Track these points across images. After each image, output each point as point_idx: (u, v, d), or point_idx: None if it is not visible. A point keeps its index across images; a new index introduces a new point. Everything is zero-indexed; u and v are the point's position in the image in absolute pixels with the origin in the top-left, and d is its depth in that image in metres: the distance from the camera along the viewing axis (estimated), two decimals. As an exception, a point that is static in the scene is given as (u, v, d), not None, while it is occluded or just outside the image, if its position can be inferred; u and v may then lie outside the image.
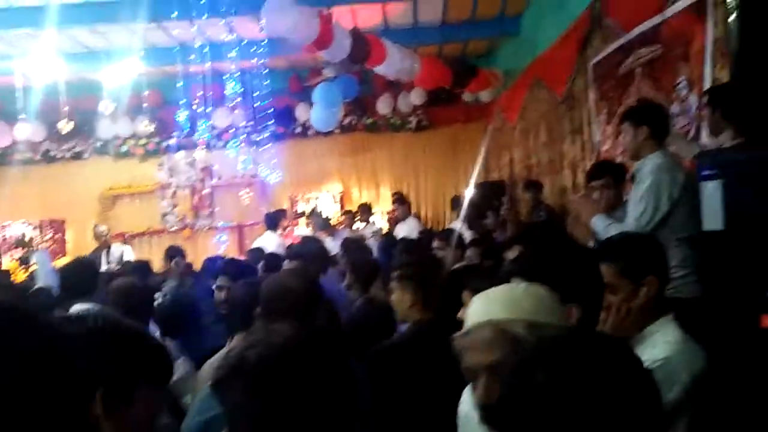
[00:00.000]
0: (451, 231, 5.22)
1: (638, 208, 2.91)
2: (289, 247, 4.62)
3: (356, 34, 5.90)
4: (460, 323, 1.35)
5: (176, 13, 6.06)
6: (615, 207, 3.26)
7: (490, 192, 7.31)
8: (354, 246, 4.74)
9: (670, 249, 2.71)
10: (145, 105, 8.37)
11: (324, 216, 7.73)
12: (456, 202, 7.85)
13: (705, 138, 3.30)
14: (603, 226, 3.07)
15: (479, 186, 7.94)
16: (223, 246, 8.57)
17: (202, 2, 5.88)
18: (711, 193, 2.43)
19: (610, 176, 3.36)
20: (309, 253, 3.88)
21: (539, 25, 6.78)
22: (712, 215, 2.43)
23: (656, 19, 3.94)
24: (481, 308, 1.26)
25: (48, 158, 9.42)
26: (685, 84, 3.66)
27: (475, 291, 2.35)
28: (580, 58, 5.45)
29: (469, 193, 7.33)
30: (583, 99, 5.46)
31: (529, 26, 7.44)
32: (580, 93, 5.55)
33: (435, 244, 4.70)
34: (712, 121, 2.92)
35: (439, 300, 2.38)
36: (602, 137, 5.04)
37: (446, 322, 2.02)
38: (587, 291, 1.54)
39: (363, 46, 5.94)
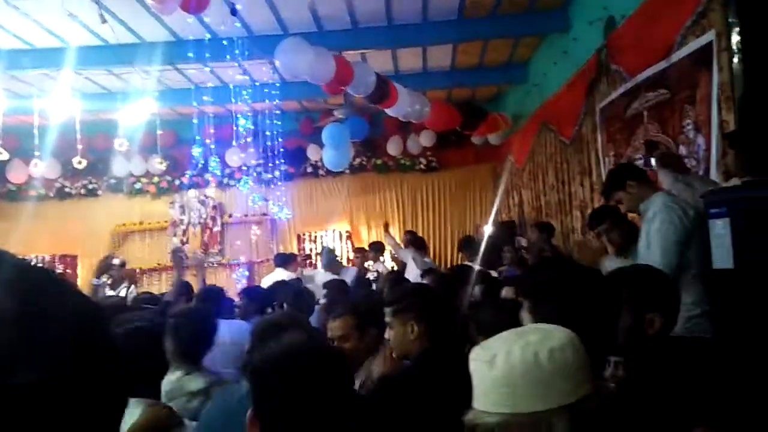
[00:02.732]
0: (466, 267, 5.22)
1: (660, 246, 2.84)
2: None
3: (379, 76, 6.07)
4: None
5: (191, 55, 6.23)
6: (624, 247, 3.25)
7: (504, 232, 7.33)
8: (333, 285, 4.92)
9: (685, 285, 2.70)
10: (158, 144, 8.52)
11: (330, 254, 7.73)
12: (466, 243, 7.83)
13: (714, 178, 3.32)
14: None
15: (493, 225, 7.96)
16: (242, 281, 8.65)
17: (216, 46, 6.05)
18: (720, 231, 2.43)
19: (610, 219, 3.38)
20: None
21: (546, 71, 6.90)
22: (722, 254, 2.42)
23: (662, 65, 4.02)
24: (489, 389, 1.02)
25: (62, 194, 9.57)
26: (693, 127, 3.71)
27: (479, 324, 2.34)
28: (587, 102, 5.54)
29: (487, 231, 7.34)
30: (591, 141, 5.53)
31: (537, 72, 7.58)
32: (588, 136, 5.61)
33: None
34: (737, 164, 2.84)
35: (445, 329, 2.36)
36: (610, 179, 5.07)
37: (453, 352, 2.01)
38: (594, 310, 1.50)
39: (384, 85, 6.09)
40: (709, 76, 3.45)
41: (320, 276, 6.91)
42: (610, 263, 3.12)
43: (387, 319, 2.40)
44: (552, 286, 1.51)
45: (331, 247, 8.77)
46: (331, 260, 7.46)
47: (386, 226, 8.28)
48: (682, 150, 3.77)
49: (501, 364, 1.01)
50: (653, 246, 2.85)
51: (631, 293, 1.66)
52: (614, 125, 4.96)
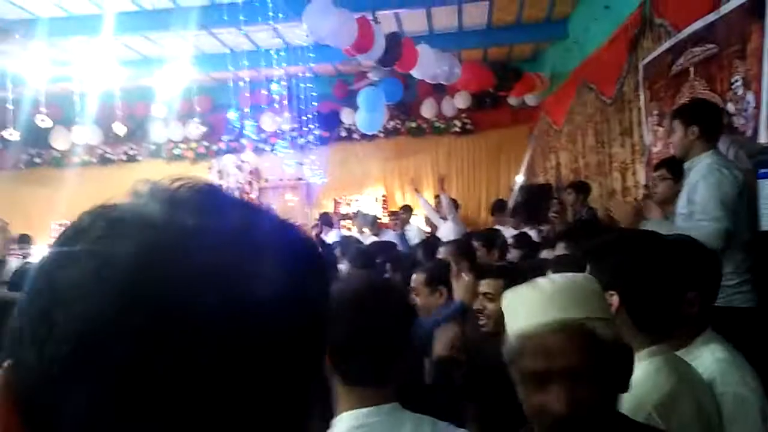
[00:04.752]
0: (494, 231, 5.19)
1: (710, 210, 2.73)
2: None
3: (390, 37, 5.93)
4: None
5: (226, 18, 6.22)
6: (667, 200, 3.19)
7: (538, 194, 7.25)
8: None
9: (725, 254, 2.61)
10: (196, 109, 8.62)
11: (371, 215, 7.87)
12: (498, 206, 7.78)
13: (764, 137, 3.19)
14: (667, 230, 2.90)
15: (526, 188, 7.87)
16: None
17: (250, 8, 6.02)
18: (769, 191, 2.34)
19: (667, 168, 3.33)
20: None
21: (587, 28, 6.67)
22: (771, 215, 2.34)
23: (710, 18, 3.84)
24: (537, 304, 1.10)
25: (104, 160, 9.82)
26: (741, 83, 3.55)
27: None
28: (629, 59, 5.35)
29: (515, 195, 7.31)
30: (634, 100, 5.36)
31: (576, 29, 7.33)
32: (630, 94, 5.44)
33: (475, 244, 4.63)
34: None
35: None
36: (653, 139, 4.93)
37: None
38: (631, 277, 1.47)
39: (396, 48, 5.96)
40: (761, 28, 3.28)
41: (367, 239, 6.99)
42: (657, 227, 3.02)
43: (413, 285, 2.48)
44: (617, 250, 1.49)
45: (365, 211, 8.84)
46: (372, 223, 7.58)
47: (416, 190, 8.36)
48: (730, 107, 3.62)
49: (543, 283, 1.14)
50: (708, 209, 2.73)
51: (673, 269, 1.57)
52: (658, 83, 4.79)
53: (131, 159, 9.86)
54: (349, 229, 8.46)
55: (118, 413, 0.37)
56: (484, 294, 2.36)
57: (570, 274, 1.22)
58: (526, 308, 1.11)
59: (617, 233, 1.79)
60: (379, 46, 5.69)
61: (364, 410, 1.26)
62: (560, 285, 1.12)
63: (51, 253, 0.43)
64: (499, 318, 2.45)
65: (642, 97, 5.14)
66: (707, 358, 1.57)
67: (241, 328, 0.39)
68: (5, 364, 0.40)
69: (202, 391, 0.37)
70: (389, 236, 7.01)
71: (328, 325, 0.46)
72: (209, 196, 0.43)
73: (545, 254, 3.55)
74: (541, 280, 1.16)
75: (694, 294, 1.51)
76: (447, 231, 6.84)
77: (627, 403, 1.31)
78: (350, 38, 5.28)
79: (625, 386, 1.12)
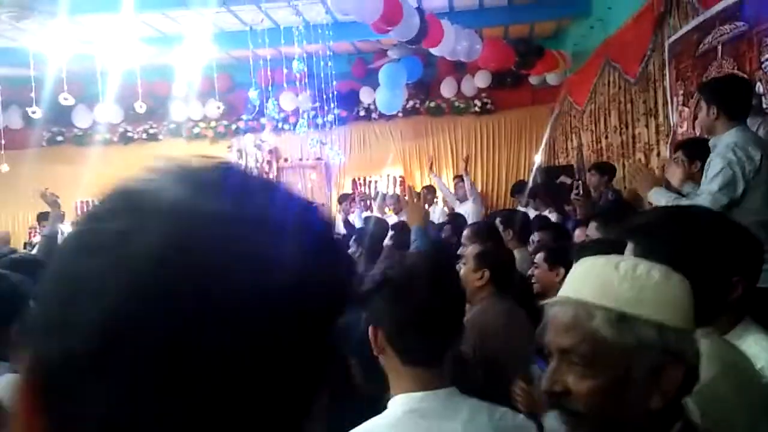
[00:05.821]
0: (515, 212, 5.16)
1: (711, 185, 2.77)
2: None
3: (420, 13, 5.87)
4: None
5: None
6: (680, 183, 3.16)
7: (559, 176, 7.18)
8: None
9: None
10: (216, 88, 8.62)
11: (393, 195, 7.94)
12: (517, 188, 7.72)
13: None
14: (666, 200, 2.93)
15: (545, 170, 7.79)
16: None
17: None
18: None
19: (684, 151, 3.29)
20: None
21: (611, 4, 6.52)
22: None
23: (741, -6, 3.73)
24: (577, 279, 1.05)
25: (125, 139, 9.89)
26: (772, 62, 3.45)
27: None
28: (655, 38, 5.23)
29: (538, 160, 7.27)
30: (659, 80, 5.24)
31: (601, 6, 7.17)
32: (655, 74, 5.32)
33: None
34: None
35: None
36: (679, 119, 4.83)
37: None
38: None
39: (424, 25, 5.90)
40: (794, 5, 3.18)
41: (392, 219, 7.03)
42: (656, 195, 3.01)
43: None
44: (663, 230, 1.42)
45: (384, 192, 8.85)
46: (396, 201, 7.64)
47: (431, 167, 8.38)
48: (759, 88, 3.53)
49: (592, 262, 1.06)
50: (711, 185, 2.77)
51: (721, 251, 1.48)
52: (684, 62, 4.68)
53: (152, 138, 9.92)
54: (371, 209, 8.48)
55: (146, 404, 0.36)
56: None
57: (651, 267, 1.03)
58: (568, 279, 1.08)
59: (661, 212, 1.72)
60: (411, 22, 5.64)
61: (421, 394, 1.25)
62: (604, 266, 1.02)
63: (74, 238, 0.42)
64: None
65: (667, 77, 5.03)
66: (751, 348, 1.51)
67: (271, 313, 0.39)
68: (24, 358, 0.39)
69: (235, 377, 0.38)
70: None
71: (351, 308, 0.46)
72: (233, 178, 0.43)
73: (578, 234, 3.55)
74: (605, 260, 1.05)
75: (738, 278, 1.43)
76: (468, 211, 6.82)
77: None
78: (376, 11, 5.23)
79: (652, 401, 0.98)
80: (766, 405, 1.33)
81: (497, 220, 4.35)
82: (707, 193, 2.79)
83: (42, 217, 7.38)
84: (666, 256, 1.34)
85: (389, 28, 5.64)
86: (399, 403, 1.25)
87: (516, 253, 3.45)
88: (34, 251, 4.27)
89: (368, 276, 1.34)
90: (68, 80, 6.49)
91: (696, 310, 1.34)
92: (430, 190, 8.30)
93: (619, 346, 0.96)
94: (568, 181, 6.69)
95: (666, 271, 1.02)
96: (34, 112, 6.54)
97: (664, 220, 1.47)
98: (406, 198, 2.82)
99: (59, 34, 6.26)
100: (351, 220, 7.40)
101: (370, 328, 1.30)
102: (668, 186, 3.20)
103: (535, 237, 4.21)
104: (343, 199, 8.48)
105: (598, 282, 1.01)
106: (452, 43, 6.44)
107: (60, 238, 4.03)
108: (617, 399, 0.99)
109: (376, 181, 9.77)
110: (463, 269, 2.55)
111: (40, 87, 6.64)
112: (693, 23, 4.46)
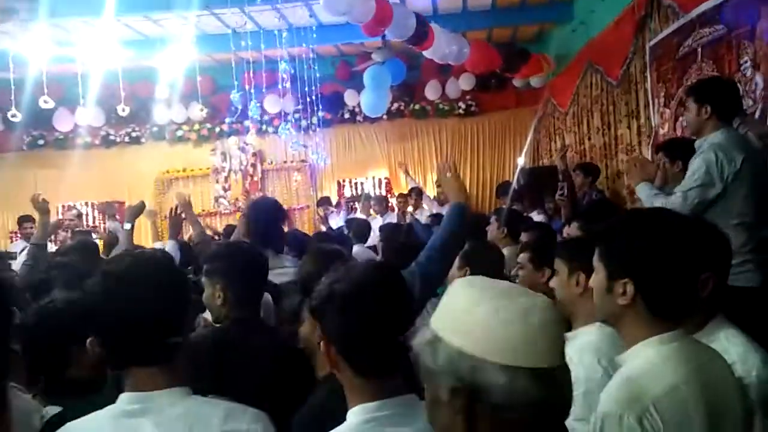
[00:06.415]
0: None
1: (686, 184, 2.83)
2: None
3: (417, 14, 5.91)
4: None
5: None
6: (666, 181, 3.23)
7: (546, 177, 7.20)
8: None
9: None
10: (198, 91, 8.56)
11: (380, 195, 7.99)
12: (503, 189, 7.75)
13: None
14: (647, 195, 3.01)
15: (529, 171, 7.82)
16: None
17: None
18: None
19: (665, 152, 3.37)
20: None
21: (593, 8, 6.59)
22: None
23: (719, -2, 3.78)
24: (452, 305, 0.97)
25: (107, 142, 9.77)
26: (750, 64, 3.51)
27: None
28: (636, 41, 5.29)
29: (520, 177, 7.29)
30: (640, 82, 5.31)
31: (582, 9, 7.24)
32: (637, 76, 5.39)
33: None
34: None
35: None
36: (660, 120, 4.89)
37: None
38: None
39: (423, 26, 5.93)
40: (771, 9, 3.24)
41: (376, 222, 7.03)
42: (640, 189, 3.06)
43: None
44: (628, 233, 1.42)
45: (369, 194, 8.85)
46: (380, 202, 7.65)
47: (405, 169, 8.45)
48: (739, 89, 3.58)
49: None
50: (686, 183, 2.85)
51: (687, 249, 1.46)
52: (665, 64, 4.74)
53: (134, 141, 9.80)
54: (355, 210, 8.46)
55: None
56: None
57: (525, 297, 0.93)
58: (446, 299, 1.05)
59: (625, 215, 1.73)
60: (405, 24, 5.66)
61: (377, 402, 1.24)
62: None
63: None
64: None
65: (649, 79, 5.09)
66: (723, 344, 1.55)
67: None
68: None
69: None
70: (392, 218, 7.01)
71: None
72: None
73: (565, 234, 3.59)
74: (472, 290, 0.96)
75: (707, 275, 1.43)
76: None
77: (626, 392, 1.29)
78: (368, 13, 5.24)
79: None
80: (738, 400, 1.35)
81: (493, 217, 4.40)
82: (680, 191, 2.85)
83: (23, 219, 7.28)
84: (628, 258, 1.37)
85: (382, 29, 5.66)
86: (355, 414, 1.25)
87: (507, 250, 3.48)
88: (18, 259, 4.13)
89: (316, 291, 1.33)
90: (48, 83, 6.40)
91: (667, 310, 1.35)
92: (417, 193, 8.30)
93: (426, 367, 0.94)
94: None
95: (501, 307, 0.90)
96: (14, 116, 6.43)
97: (626, 224, 1.47)
98: (443, 174, 2.68)
99: (39, 37, 6.17)
100: (335, 224, 7.38)
101: (323, 344, 1.30)
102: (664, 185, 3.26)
103: (523, 237, 4.23)
104: (322, 202, 8.47)
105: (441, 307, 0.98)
106: (441, 47, 6.47)
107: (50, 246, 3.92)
108: (434, 419, 0.98)
109: (361, 183, 9.79)
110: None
111: (20, 90, 6.54)
112: (673, 26, 4.53)
